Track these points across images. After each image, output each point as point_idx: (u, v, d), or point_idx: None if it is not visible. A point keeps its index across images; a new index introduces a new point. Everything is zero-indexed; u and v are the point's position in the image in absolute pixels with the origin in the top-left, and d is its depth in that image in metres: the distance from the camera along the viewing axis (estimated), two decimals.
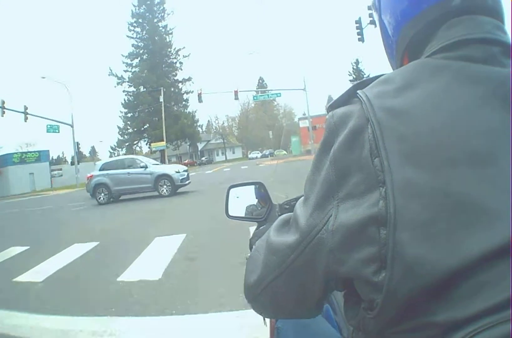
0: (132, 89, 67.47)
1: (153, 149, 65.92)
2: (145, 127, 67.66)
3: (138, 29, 68.39)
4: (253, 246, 0.94)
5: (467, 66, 0.66)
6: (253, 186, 1.53)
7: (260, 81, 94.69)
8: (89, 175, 19.82)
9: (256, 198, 1.52)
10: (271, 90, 52.32)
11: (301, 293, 0.77)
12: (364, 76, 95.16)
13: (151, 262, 6.38)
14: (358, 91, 0.71)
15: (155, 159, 68.52)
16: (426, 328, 0.56)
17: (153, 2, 67.68)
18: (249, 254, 1.02)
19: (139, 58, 68.39)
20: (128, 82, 67.03)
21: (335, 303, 1.35)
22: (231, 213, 1.49)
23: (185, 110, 71.39)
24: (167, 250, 7.00)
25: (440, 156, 0.58)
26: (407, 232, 0.56)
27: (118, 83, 66.94)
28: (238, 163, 62.82)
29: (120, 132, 68.38)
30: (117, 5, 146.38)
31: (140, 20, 68.11)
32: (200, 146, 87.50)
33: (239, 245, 6.72)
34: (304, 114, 53.75)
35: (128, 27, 68.41)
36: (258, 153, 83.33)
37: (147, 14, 67.96)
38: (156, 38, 67.87)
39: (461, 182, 0.56)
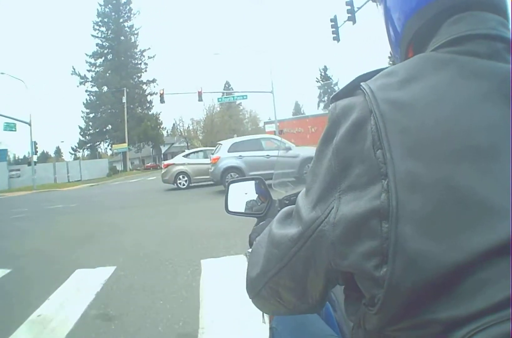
0: (95, 89, 65.57)
1: (115, 151, 64.04)
2: (107, 128, 65.70)
3: (103, 29, 66.48)
4: (254, 242, 0.94)
5: (472, 60, 0.66)
6: (253, 182, 1.52)
7: (227, 85, 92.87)
8: (214, 157, 16.13)
9: (256, 193, 1.50)
10: (237, 92, 50.31)
11: (303, 287, 0.76)
12: (333, 82, 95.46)
13: (51, 321, 4.15)
14: (361, 83, 0.70)
15: (116, 161, 67.47)
16: (427, 326, 0.55)
17: (119, 1, 65.74)
18: (249, 250, 1.10)
19: (103, 58, 66.45)
20: (91, 81, 65.01)
21: (335, 301, 1.35)
22: (230, 208, 1.49)
23: (149, 112, 69.81)
24: (81, 297, 4.80)
25: (443, 150, 0.58)
26: (409, 226, 0.55)
27: (81, 83, 65.22)
28: None
29: (82, 133, 66.55)
30: (83, 3, 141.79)
31: (106, 19, 66.21)
32: (163, 149, 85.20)
33: (182, 292, 4.57)
34: (269, 119, 52.00)
35: (93, 26, 66.69)
36: None
37: (113, 13, 66.16)
38: (121, 38, 66.18)
39: (464, 176, 0.56)
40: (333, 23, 25.05)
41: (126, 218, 11.45)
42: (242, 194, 1.53)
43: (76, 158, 70.68)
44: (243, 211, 1.51)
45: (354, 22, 23.43)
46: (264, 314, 1.24)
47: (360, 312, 0.68)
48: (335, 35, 25.12)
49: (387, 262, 0.56)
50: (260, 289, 0.85)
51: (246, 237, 1.37)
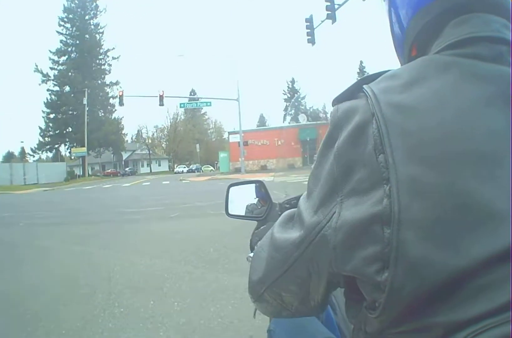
0: (57, 88, 62.21)
1: (73, 154, 60.78)
2: (67, 130, 62.55)
3: (69, 25, 63.28)
4: (255, 246, 0.94)
5: (476, 64, 0.65)
6: (253, 185, 1.52)
7: (192, 93, 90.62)
8: None
9: (256, 196, 1.50)
10: (201, 98, 47.77)
11: (306, 290, 0.76)
12: (301, 96, 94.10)
13: None
14: (364, 86, 0.70)
15: (76, 166, 64.13)
16: (428, 330, 0.55)
17: None
18: (250, 254, 1.11)
19: (67, 56, 63.29)
20: (53, 80, 61.60)
21: (335, 304, 1.36)
22: (231, 212, 1.49)
23: (111, 116, 67.01)
24: None
25: (446, 154, 0.57)
26: (411, 231, 0.55)
27: (43, 81, 61.60)
28: (162, 176, 58.43)
29: (42, 134, 62.82)
30: None
31: (71, 16, 63.01)
32: (125, 155, 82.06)
33: None
34: (234, 129, 49.52)
35: (59, 22, 63.31)
36: (184, 167, 78.94)
37: (79, 10, 63.12)
38: (86, 36, 63.34)
39: (467, 181, 0.55)
40: (308, 23, 22.66)
41: (47, 242, 8.68)
42: (242, 197, 1.49)
43: (40, 160, 67.35)
44: (243, 214, 1.47)
45: (334, 20, 21.05)
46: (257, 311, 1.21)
47: (361, 315, 0.68)
48: (309, 37, 22.75)
49: (388, 267, 0.56)
50: (262, 292, 0.84)
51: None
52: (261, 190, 1.48)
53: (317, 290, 0.74)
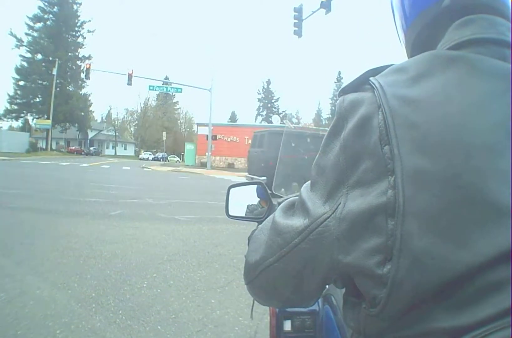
0: (29, 55, 58.08)
1: (37, 126, 57.07)
2: (35, 100, 58.86)
3: None
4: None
5: (482, 59, 0.63)
6: (253, 186, 1.48)
7: (166, 80, 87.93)
8: None
9: (258, 197, 1.46)
10: (172, 83, 44.29)
11: (299, 279, 0.73)
12: (274, 97, 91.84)
13: None
14: (370, 78, 0.68)
15: (41, 138, 60.09)
16: (430, 335, 0.53)
17: None
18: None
19: (42, 23, 59.30)
20: (26, 46, 57.54)
21: (335, 305, 1.34)
22: (231, 213, 1.45)
23: (80, 91, 63.41)
24: None
25: (452, 147, 0.55)
26: (416, 223, 0.53)
27: (16, 46, 57.24)
28: (125, 161, 55.42)
29: (9, 100, 58.55)
30: None
31: None
32: (91, 134, 78.02)
33: None
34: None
35: None
36: (150, 154, 75.89)
37: None
38: (64, 5, 59.41)
39: (472, 174, 0.53)
40: (297, 13, 19.97)
41: None
42: (242, 198, 1.47)
43: (10, 129, 63.70)
44: (243, 215, 1.45)
45: (329, 10, 18.33)
46: (253, 310, 1.22)
47: (360, 318, 0.64)
48: (296, 28, 19.86)
49: (391, 260, 0.55)
50: (257, 275, 0.80)
51: None
52: (262, 191, 1.43)
53: (310, 283, 0.72)
